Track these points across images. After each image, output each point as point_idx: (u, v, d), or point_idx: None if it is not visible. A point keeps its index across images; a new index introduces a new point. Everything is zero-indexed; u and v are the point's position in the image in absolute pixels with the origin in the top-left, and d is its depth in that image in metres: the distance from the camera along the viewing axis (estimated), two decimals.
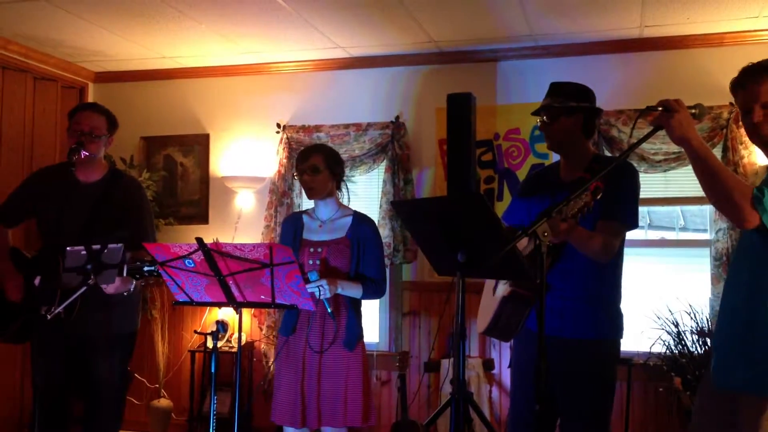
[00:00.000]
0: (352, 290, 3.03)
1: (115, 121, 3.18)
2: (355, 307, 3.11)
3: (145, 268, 2.59)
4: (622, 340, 2.76)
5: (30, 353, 3.14)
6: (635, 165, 4.27)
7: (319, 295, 2.87)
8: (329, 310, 2.95)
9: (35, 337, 2.96)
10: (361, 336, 3.12)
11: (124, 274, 2.58)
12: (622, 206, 2.60)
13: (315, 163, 3.05)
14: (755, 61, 2.20)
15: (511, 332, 2.67)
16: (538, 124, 2.81)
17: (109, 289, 2.78)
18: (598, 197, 2.20)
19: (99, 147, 3.08)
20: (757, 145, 2.26)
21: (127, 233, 2.81)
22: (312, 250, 3.07)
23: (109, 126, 3.13)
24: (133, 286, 2.93)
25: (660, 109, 2.09)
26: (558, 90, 2.76)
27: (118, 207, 3.07)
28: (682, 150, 2.19)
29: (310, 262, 3.05)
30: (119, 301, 3.01)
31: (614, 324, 2.71)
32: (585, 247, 2.54)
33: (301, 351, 3.04)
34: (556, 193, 2.69)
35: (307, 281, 2.85)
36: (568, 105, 2.70)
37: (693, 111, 2.12)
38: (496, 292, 2.73)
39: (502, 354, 4.58)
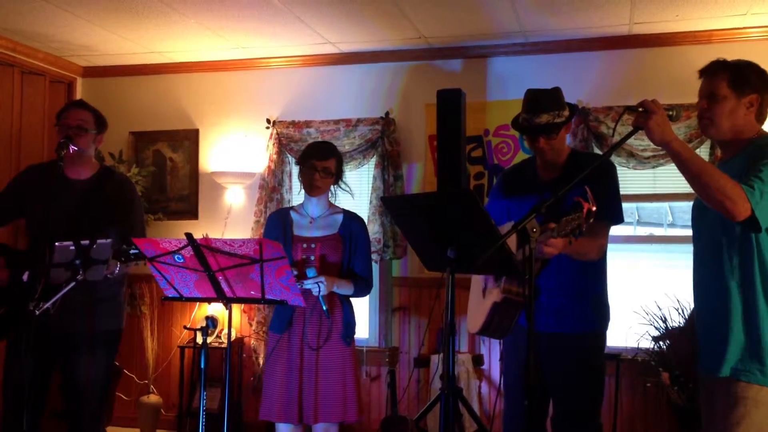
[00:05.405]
0: (345, 288, 3.06)
1: (104, 120, 3.12)
2: (348, 302, 3.14)
3: (131, 251, 2.56)
4: (608, 332, 2.82)
5: (6, 351, 3.02)
6: (623, 161, 4.32)
7: (317, 292, 2.89)
8: (325, 308, 2.95)
9: (14, 333, 2.89)
10: (354, 331, 3.14)
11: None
12: (609, 205, 2.65)
13: (329, 166, 3.09)
14: (744, 58, 2.23)
15: (504, 332, 2.67)
16: (523, 137, 2.78)
17: None
18: (591, 220, 2.20)
19: (87, 142, 3.03)
20: (703, 133, 2.39)
21: (116, 229, 2.78)
22: (305, 245, 3.08)
23: (97, 122, 3.09)
24: (117, 269, 2.88)
25: (640, 109, 2.12)
26: (547, 104, 2.67)
27: (107, 202, 3.03)
28: None
29: (304, 257, 3.05)
30: (105, 297, 2.99)
31: (602, 316, 2.78)
32: (582, 256, 2.59)
33: (297, 347, 3.03)
34: (542, 192, 2.70)
35: (304, 277, 2.86)
36: (569, 119, 2.70)
37: (670, 113, 2.15)
38: (485, 295, 2.73)
39: (492, 350, 4.59)
